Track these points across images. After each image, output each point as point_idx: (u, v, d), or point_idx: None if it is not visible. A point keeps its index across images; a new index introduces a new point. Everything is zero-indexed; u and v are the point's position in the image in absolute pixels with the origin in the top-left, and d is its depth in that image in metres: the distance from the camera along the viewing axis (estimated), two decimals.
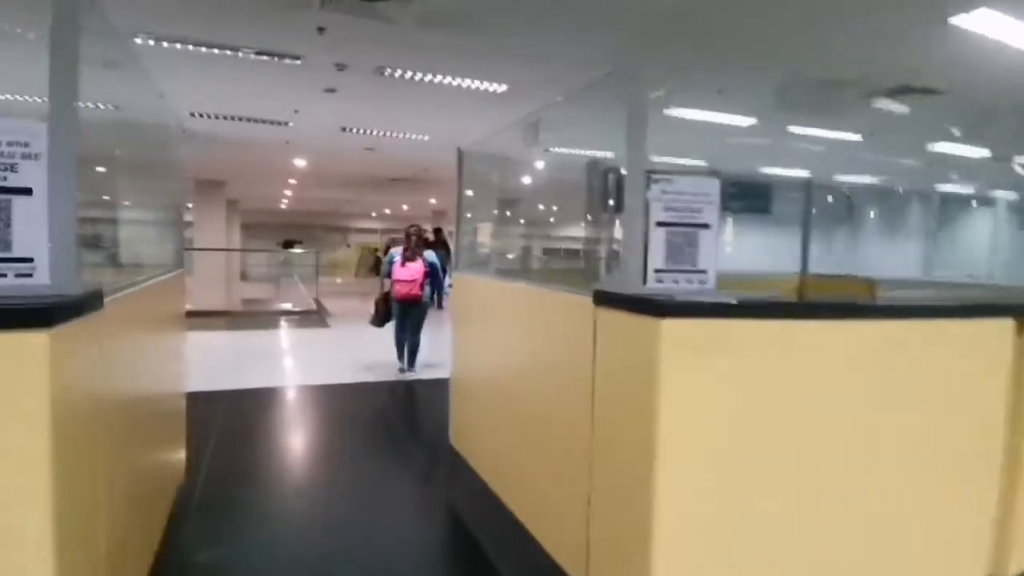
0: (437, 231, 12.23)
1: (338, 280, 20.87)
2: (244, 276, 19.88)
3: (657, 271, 1.68)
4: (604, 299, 1.80)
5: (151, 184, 2.46)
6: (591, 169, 3.71)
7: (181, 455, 2.87)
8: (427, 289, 5.53)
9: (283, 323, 9.39)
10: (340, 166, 11.45)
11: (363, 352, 7.14)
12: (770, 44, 4.49)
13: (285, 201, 20.68)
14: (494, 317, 2.93)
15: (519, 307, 2.60)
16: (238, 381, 5.26)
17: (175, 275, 2.62)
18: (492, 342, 2.95)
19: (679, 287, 1.71)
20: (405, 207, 22.41)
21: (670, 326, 1.53)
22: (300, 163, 10.95)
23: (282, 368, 6.04)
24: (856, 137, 7.30)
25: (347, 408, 4.67)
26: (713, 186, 1.75)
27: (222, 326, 8.96)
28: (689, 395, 1.56)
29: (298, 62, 4.93)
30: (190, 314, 10.26)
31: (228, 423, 4.01)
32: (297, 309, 10.87)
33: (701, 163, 7.54)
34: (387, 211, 25.18)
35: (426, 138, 8.24)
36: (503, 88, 5.65)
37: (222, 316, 9.96)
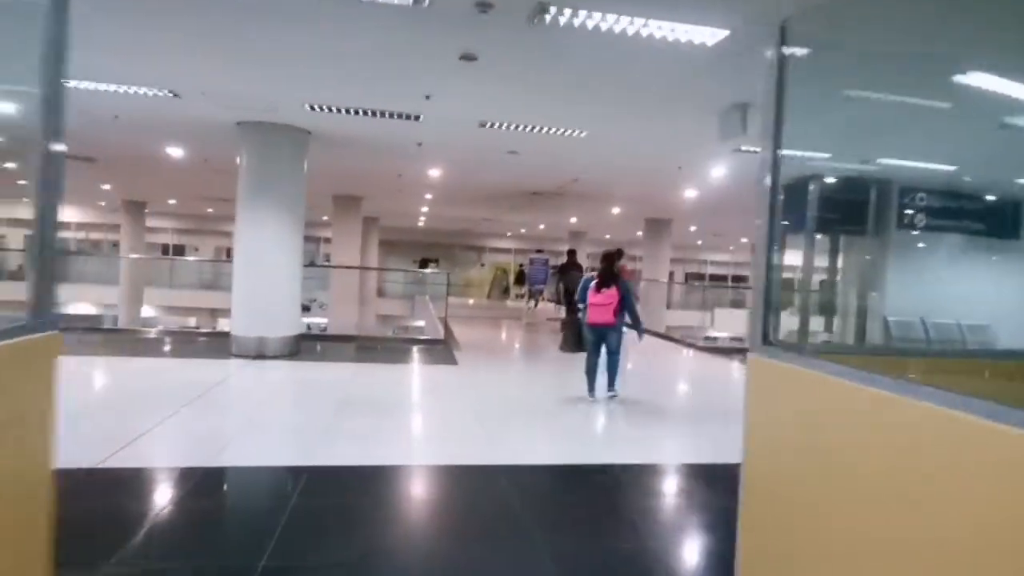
0: (571, 252, 10.52)
1: (470, 302, 19.89)
2: (381, 292, 19.68)
3: None
4: None
5: None
6: None
7: None
8: (621, 316, 5.28)
9: (406, 354, 8.09)
10: (477, 177, 10.15)
11: (501, 404, 5.44)
12: None
13: (422, 219, 20.26)
14: None
15: None
16: (324, 452, 3.80)
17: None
18: None
19: None
20: (542, 226, 21.02)
21: None
22: (434, 172, 9.80)
23: (387, 430, 4.47)
24: None
25: (472, 531, 2.93)
26: None
27: (342, 356, 7.87)
28: None
29: (424, 3, 3.43)
30: (320, 338, 9.60)
31: (284, 546, 2.47)
32: (423, 338, 9.63)
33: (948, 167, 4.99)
34: (522, 231, 24.00)
35: (583, 134, 6.52)
36: (720, 36, 3.72)
37: (347, 342, 9.02)
